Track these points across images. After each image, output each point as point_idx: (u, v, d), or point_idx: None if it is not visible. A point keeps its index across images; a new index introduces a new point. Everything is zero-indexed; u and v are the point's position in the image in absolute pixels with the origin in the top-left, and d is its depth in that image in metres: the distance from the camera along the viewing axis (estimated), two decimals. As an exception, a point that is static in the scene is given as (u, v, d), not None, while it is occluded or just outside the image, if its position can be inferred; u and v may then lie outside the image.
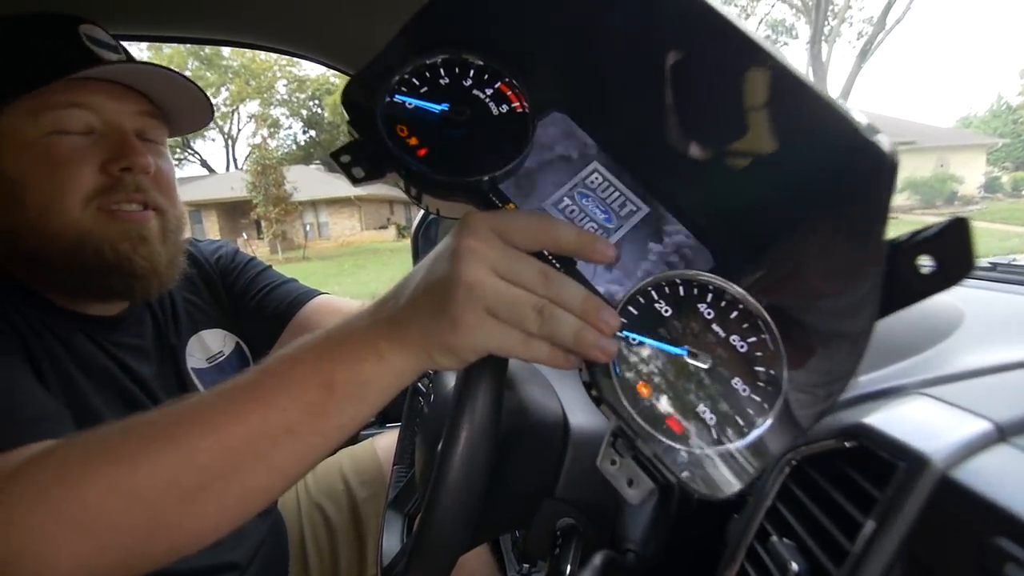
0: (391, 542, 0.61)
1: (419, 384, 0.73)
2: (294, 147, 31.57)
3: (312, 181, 19.65)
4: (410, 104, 0.39)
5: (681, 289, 0.36)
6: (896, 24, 14.84)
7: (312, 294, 0.78)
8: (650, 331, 0.35)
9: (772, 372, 0.32)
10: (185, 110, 0.63)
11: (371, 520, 0.79)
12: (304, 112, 30.66)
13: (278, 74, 28.41)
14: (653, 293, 0.36)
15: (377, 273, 10.01)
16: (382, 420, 1.06)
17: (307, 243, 18.30)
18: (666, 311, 0.35)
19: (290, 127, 31.68)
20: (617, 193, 0.39)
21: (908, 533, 0.28)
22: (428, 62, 0.39)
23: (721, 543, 0.45)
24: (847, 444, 0.33)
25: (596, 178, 0.40)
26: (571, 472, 0.51)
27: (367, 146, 0.39)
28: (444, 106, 0.39)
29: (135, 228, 0.56)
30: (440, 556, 0.39)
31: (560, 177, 0.40)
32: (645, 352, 0.34)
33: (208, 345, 0.70)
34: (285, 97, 29.79)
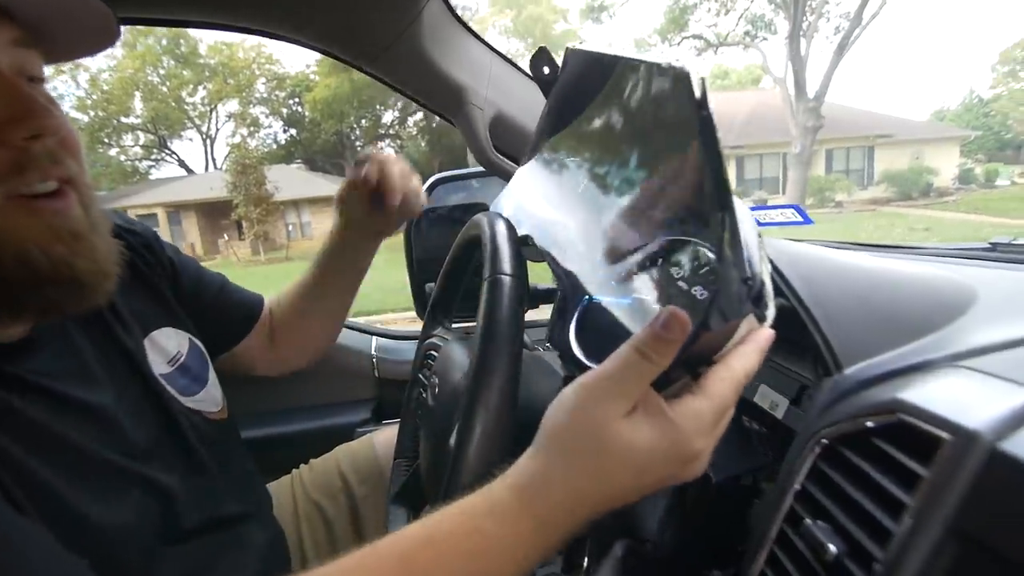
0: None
1: (420, 375, 0.71)
2: (274, 146, 31.09)
3: (294, 180, 19.39)
4: None
5: (660, 259, 0.39)
6: (872, 19, 15.07)
7: (259, 298, 0.78)
8: (617, 294, 0.40)
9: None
10: (67, 25, 0.45)
11: (371, 518, 0.77)
12: (284, 111, 30.23)
13: (257, 72, 27.97)
14: (634, 266, 0.40)
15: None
16: (378, 416, 1.04)
17: (290, 243, 18.07)
18: (641, 278, 0.40)
19: (270, 126, 31.20)
20: None
21: (958, 509, 0.26)
22: None
23: (742, 530, 0.44)
24: (884, 420, 0.32)
25: None
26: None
27: None
28: None
29: (62, 221, 0.42)
30: None
31: None
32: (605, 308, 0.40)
33: (163, 346, 0.59)
34: (264, 95, 29.32)
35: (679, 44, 21.04)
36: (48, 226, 0.41)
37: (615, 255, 0.44)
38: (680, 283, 0.38)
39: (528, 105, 0.76)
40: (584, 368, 0.39)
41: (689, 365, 0.33)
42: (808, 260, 0.49)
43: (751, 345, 0.34)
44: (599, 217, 0.46)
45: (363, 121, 29.80)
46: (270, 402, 1.00)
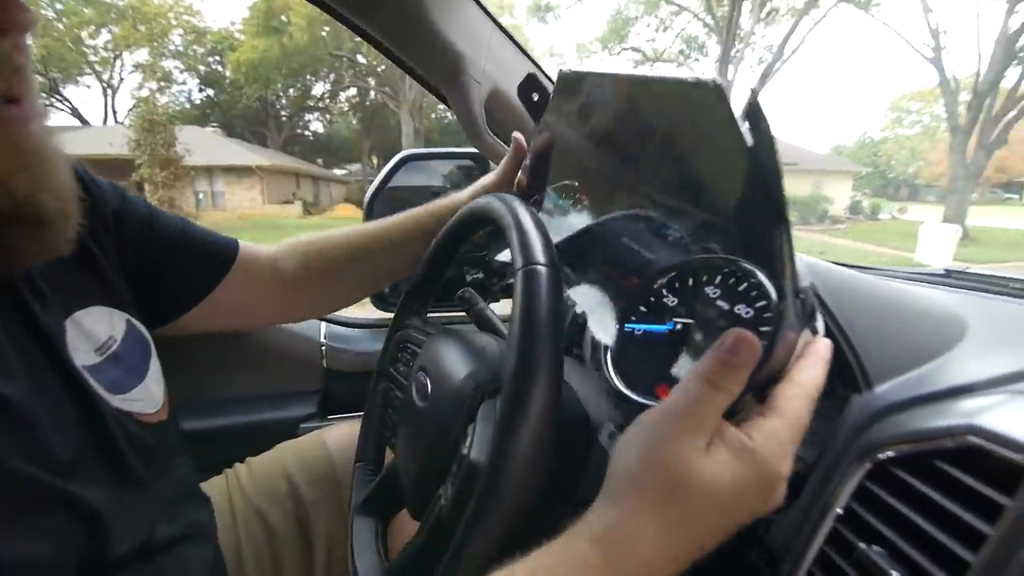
0: (366, 553, 0.53)
1: (391, 369, 0.65)
2: (188, 105, 28.51)
3: (208, 145, 17.90)
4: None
5: (691, 280, 0.42)
6: (791, 55, 16.41)
7: (234, 242, 0.66)
8: (651, 319, 0.42)
9: (770, 329, 0.34)
10: None
11: (321, 525, 0.69)
12: (202, 68, 27.74)
13: (173, 22, 25.41)
14: (663, 290, 0.43)
15: (282, 250, 9.29)
16: (325, 411, 0.95)
17: (199, 212, 16.62)
18: (672, 301, 0.42)
19: (184, 82, 28.54)
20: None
21: (1047, 543, 0.26)
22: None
23: (760, 550, 0.42)
24: (953, 444, 0.31)
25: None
26: (593, 472, 0.46)
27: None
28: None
29: (27, 139, 0.36)
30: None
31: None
32: (643, 337, 0.42)
33: (90, 330, 0.48)
34: (180, 49, 26.74)
35: (619, 54, 21.75)
36: (9, 141, 0.35)
37: (642, 278, 0.45)
38: (719, 303, 0.39)
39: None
40: (630, 401, 0.39)
41: (757, 389, 0.32)
42: (827, 274, 0.48)
43: (812, 358, 0.34)
44: (620, 239, 0.49)
45: (291, 90, 28.09)
46: (200, 391, 0.87)
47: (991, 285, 0.67)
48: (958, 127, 13.50)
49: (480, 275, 1.17)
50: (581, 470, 0.46)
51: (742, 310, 0.37)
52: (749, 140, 0.31)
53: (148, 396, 0.51)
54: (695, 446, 0.29)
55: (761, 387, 0.32)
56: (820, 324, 0.37)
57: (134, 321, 0.53)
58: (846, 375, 0.41)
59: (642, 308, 0.44)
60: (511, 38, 0.70)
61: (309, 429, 0.86)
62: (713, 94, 0.33)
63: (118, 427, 0.45)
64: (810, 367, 0.33)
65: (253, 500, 0.69)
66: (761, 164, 0.31)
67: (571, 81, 0.52)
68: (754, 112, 0.30)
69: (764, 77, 16.24)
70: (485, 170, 0.99)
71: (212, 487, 0.71)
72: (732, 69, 16.40)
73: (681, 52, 21.73)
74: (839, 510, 0.35)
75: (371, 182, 1.00)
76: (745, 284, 0.38)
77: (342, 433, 0.78)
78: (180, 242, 0.61)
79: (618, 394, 0.39)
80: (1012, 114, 13.21)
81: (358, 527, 0.57)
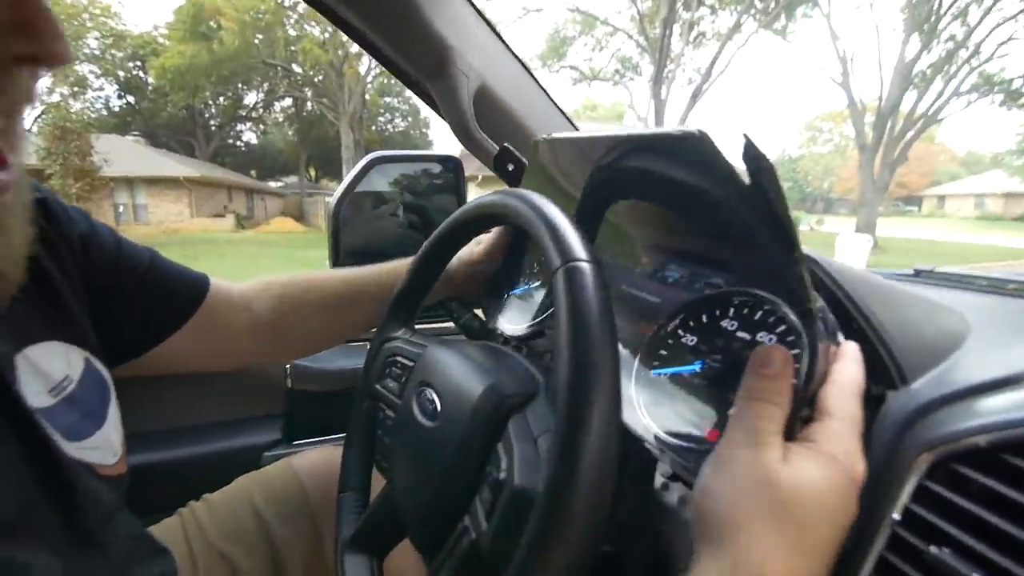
0: (363, 596, 0.47)
1: (378, 387, 0.59)
2: (105, 112, 26.55)
3: (128, 155, 16.71)
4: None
5: (704, 317, 0.43)
6: (718, 76, 17.43)
7: (205, 279, 0.60)
8: (674, 363, 0.42)
9: (799, 352, 0.35)
10: None
11: (298, 565, 0.61)
12: (121, 73, 25.94)
13: (89, 24, 23.64)
14: (678, 331, 0.44)
15: (212, 266, 8.76)
16: (290, 437, 0.86)
17: (119, 226, 15.36)
18: (691, 340, 0.43)
19: (101, 88, 26.56)
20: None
21: None
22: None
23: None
24: (1017, 436, 0.30)
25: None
26: (623, 490, 0.43)
27: None
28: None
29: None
30: None
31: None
32: (670, 381, 0.42)
33: (44, 368, 0.42)
34: (96, 53, 24.87)
35: (557, 72, 22.30)
36: None
37: (654, 323, 0.46)
38: (740, 334, 0.40)
39: (514, 87, 0.68)
40: (678, 451, 0.39)
41: (807, 407, 0.33)
42: (850, 274, 0.48)
43: (843, 360, 0.35)
44: (620, 288, 0.52)
45: (221, 99, 26.80)
46: (144, 420, 0.77)
47: (960, 283, 0.70)
48: (865, 146, 14.77)
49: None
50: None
51: (764, 338, 0.38)
52: (747, 180, 0.32)
53: (107, 444, 0.44)
54: (776, 459, 0.29)
55: (809, 405, 0.33)
56: (841, 337, 0.39)
57: (93, 360, 0.46)
58: (878, 374, 0.41)
59: (662, 352, 0.44)
60: (499, 35, 0.67)
61: (274, 458, 0.78)
62: (701, 143, 0.35)
63: (74, 479, 0.38)
64: (847, 367, 0.34)
65: (216, 543, 0.61)
66: (768, 201, 0.32)
67: (547, 147, 0.54)
68: (752, 153, 0.31)
69: (694, 97, 17.14)
70: (457, 174, 0.95)
71: (165, 531, 0.62)
72: (664, 89, 17.21)
73: (617, 71, 22.59)
74: (896, 515, 0.34)
75: (309, 195, 0.94)
76: (760, 312, 0.39)
77: (314, 460, 0.71)
78: (148, 276, 0.55)
79: (664, 443, 0.39)
80: (910, 134, 14.63)
81: (350, 566, 0.50)
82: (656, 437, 0.40)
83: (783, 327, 0.37)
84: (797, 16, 16.76)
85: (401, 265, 0.66)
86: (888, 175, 14.79)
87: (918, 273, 0.79)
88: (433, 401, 0.45)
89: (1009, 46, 14.25)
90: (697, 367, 0.41)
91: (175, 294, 0.57)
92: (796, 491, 0.27)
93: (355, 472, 0.58)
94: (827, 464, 0.28)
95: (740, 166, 0.34)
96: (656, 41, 16.92)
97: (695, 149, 0.36)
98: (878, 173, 14.50)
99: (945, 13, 13.84)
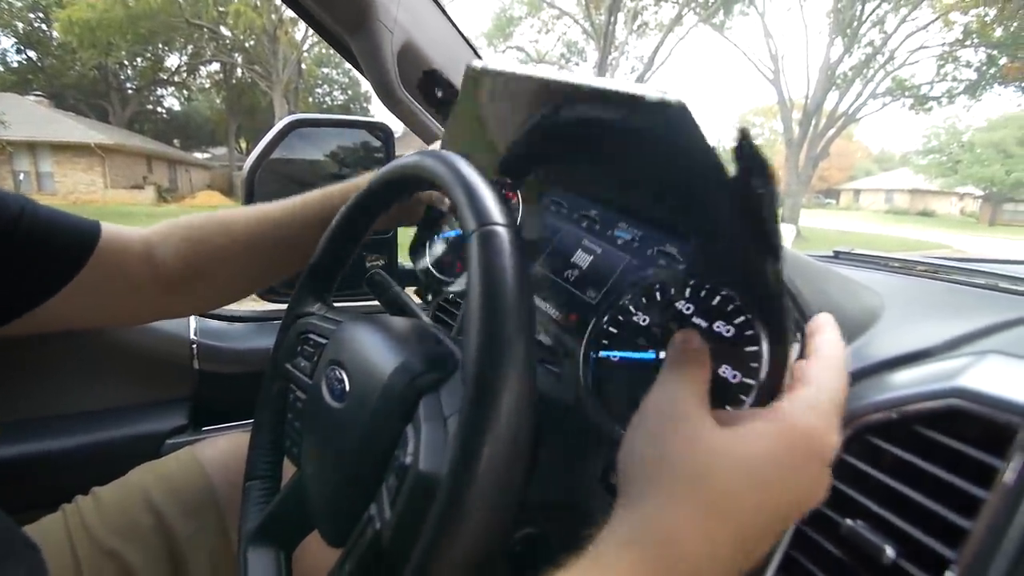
0: (266, 593, 0.43)
1: (288, 366, 0.54)
2: (1, 69, 23.70)
3: (30, 117, 15.09)
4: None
5: (657, 294, 0.40)
6: (660, 66, 17.85)
7: (95, 226, 0.52)
8: (631, 344, 0.39)
9: (756, 348, 0.34)
10: None
11: (203, 563, 0.56)
12: (20, 25, 23.16)
13: (-25, -35, 20.90)
14: (630, 307, 0.41)
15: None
16: (197, 422, 0.79)
17: (19, 197, 13.88)
18: (644, 320, 0.40)
19: (-7, 41, 23.65)
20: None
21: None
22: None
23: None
24: (933, 407, 0.30)
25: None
26: (541, 469, 0.41)
27: None
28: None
29: None
30: None
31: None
32: (625, 364, 0.40)
33: None
34: (-13, -1, 22.07)
35: (503, 52, 22.06)
36: None
37: (605, 298, 0.44)
38: (696, 320, 0.38)
39: (443, 44, 0.64)
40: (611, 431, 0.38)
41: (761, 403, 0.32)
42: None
43: (823, 332, 0.33)
44: (568, 250, 0.48)
45: (138, 59, 24.55)
46: (23, 405, 0.67)
47: (875, 264, 0.73)
48: (792, 141, 15.63)
49: (382, 262, 1.07)
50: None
51: (721, 328, 0.36)
52: (730, 170, 0.28)
53: None
54: (704, 424, 0.27)
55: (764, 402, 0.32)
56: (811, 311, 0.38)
57: None
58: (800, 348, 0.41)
59: (612, 330, 0.42)
60: (426, -12, 0.62)
61: (177, 446, 0.71)
62: (680, 114, 0.29)
63: None
64: (829, 338, 0.32)
65: (103, 541, 0.54)
66: (754, 202, 0.28)
67: (485, 80, 0.45)
68: (749, 152, 0.27)
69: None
70: (388, 143, 0.89)
71: (43, 529, 0.55)
72: (609, 75, 17.43)
73: (563, 55, 22.62)
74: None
75: (239, 168, 0.85)
76: (717, 298, 0.37)
77: (221, 448, 0.65)
78: (17, 228, 0.47)
79: (603, 432, 0.38)
80: (832, 132, 15.65)
81: (253, 560, 0.46)
82: (604, 425, 0.40)
83: (741, 318, 0.35)
84: (734, 12, 17.33)
85: (336, 192, 0.60)
86: (811, 169, 15.76)
87: (837, 255, 0.82)
88: (342, 380, 0.41)
89: (920, 54, 15.43)
90: (650, 357, 0.39)
91: (56, 248, 0.49)
92: (724, 456, 0.26)
93: (262, 459, 0.54)
94: (779, 433, 0.26)
95: (717, 144, 0.30)
96: (601, 28, 17.05)
97: (671, 118, 0.31)
98: (802, 167, 15.40)
99: (866, 20, 14.78)
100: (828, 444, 0.27)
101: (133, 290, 0.55)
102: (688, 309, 0.38)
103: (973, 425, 0.28)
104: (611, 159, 0.42)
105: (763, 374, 0.33)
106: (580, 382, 0.42)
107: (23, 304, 0.48)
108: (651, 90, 0.29)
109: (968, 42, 14.76)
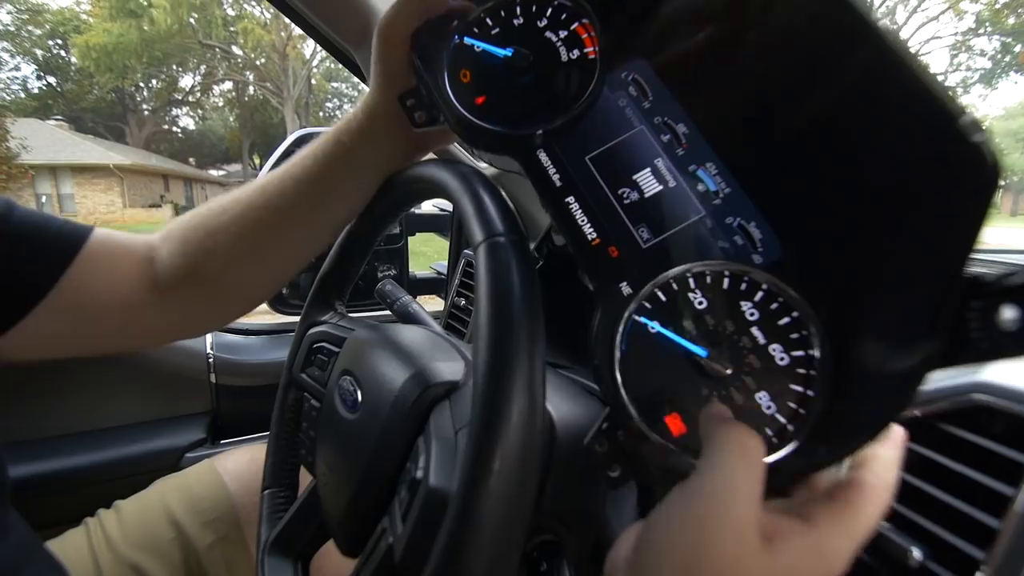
0: (284, 604, 0.43)
1: (303, 375, 0.54)
2: (23, 95, 24.42)
3: (51, 141, 15.48)
4: (478, 47, 0.36)
5: (727, 282, 0.31)
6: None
7: (84, 228, 0.44)
8: (675, 322, 0.31)
9: (810, 393, 0.27)
10: None
11: (221, 574, 0.56)
12: (40, 52, 23.88)
13: (-3, -4, 21.61)
14: (691, 281, 0.31)
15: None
16: (216, 436, 0.80)
17: (42, 219, 14.26)
18: (700, 303, 0.31)
19: (17, 68, 24.37)
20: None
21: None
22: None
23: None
24: (955, 404, 0.29)
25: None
26: (558, 478, 0.40)
27: (430, 90, 0.37)
28: (509, 51, 0.35)
29: None
30: None
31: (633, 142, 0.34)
32: (659, 340, 0.30)
33: None
34: (11, 29, 22.80)
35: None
36: None
37: (662, 257, 0.33)
38: (754, 331, 0.30)
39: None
40: (632, 426, 0.29)
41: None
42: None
43: (884, 447, 0.26)
44: (650, 188, 0.34)
45: (154, 81, 25.14)
46: (53, 424, 0.69)
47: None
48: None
49: (394, 272, 1.08)
50: (545, 473, 0.40)
51: (777, 352, 0.28)
52: (968, 135, 0.21)
53: None
54: (751, 546, 0.22)
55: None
56: None
57: None
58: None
59: (662, 297, 0.31)
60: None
61: (197, 459, 0.71)
62: None
63: None
64: (888, 461, 0.25)
65: (126, 554, 0.55)
66: (978, 190, 0.21)
67: None
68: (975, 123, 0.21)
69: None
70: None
71: (67, 544, 0.55)
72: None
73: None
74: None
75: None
76: (787, 319, 0.29)
77: (241, 460, 0.65)
78: (11, 223, 0.41)
79: (624, 412, 0.29)
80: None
81: (271, 570, 0.46)
82: (620, 401, 0.30)
83: (801, 353, 0.28)
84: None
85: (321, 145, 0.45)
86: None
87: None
88: (354, 391, 0.41)
89: (932, 45, 15.20)
90: (702, 353, 0.29)
91: (39, 246, 0.41)
92: None
93: (279, 468, 0.54)
94: (812, 552, 0.22)
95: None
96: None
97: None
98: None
99: (875, 12, 14.64)
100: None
101: (130, 302, 0.45)
102: (753, 315, 0.30)
103: (998, 421, 0.28)
104: (749, 62, 0.30)
105: (806, 428, 0.27)
106: (603, 345, 0.32)
107: (13, 309, 0.41)
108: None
109: (981, 30, 14.50)
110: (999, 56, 14.75)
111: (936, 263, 0.22)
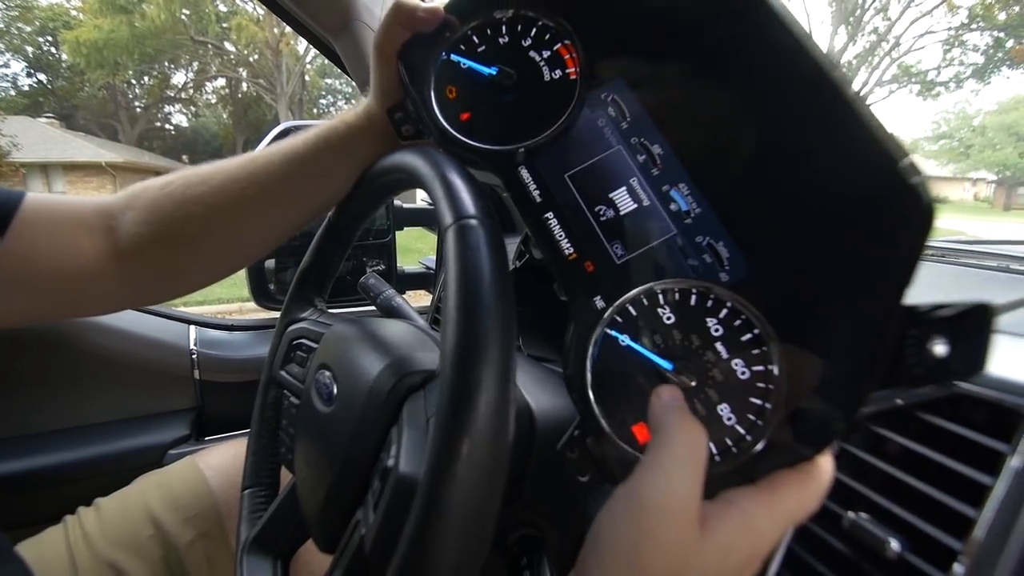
0: (262, 602, 0.42)
1: (283, 372, 0.53)
2: (12, 92, 24.19)
3: (42, 139, 15.33)
4: (464, 64, 0.37)
5: (694, 298, 0.32)
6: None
7: (15, 195, 0.42)
8: (644, 336, 0.32)
9: (767, 406, 0.28)
10: None
11: (201, 571, 0.56)
12: (30, 49, 23.63)
13: (-15, -9, 21.37)
14: (660, 297, 0.32)
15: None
16: (200, 432, 0.79)
17: (33, 218, 14.14)
18: (668, 318, 0.32)
19: (6, 65, 24.13)
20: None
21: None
22: (494, 18, 0.37)
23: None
24: (934, 393, 0.29)
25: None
26: (538, 471, 0.40)
27: (417, 104, 0.38)
28: (493, 69, 0.36)
29: None
30: None
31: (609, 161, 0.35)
32: (629, 353, 0.31)
33: None
34: (0, 26, 22.58)
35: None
36: None
37: (636, 273, 0.33)
38: (718, 346, 0.30)
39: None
40: (602, 435, 0.30)
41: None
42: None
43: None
44: (625, 206, 0.35)
45: (146, 78, 24.94)
46: (33, 420, 0.68)
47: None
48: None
49: (382, 267, 1.07)
50: (524, 466, 0.39)
51: (739, 367, 0.29)
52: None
53: None
54: (692, 534, 0.24)
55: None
56: None
57: None
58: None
59: (632, 310, 0.32)
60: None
61: (180, 456, 0.71)
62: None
63: None
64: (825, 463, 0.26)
65: (104, 552, 0.54)
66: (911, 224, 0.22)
67: None
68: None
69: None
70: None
71: (44, 543, 0.55)
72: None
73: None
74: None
75: None
76: (749, 335, 0.29)
77: (223, 456, 0.65)
78: None
79: (593, 421, 0.31)
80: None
81: (250, 568, 0.45)
82: (592, 413, 0.32)
83: (761, 367, 0.28)
84: None
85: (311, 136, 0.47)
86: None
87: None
88: (329, 384, 0.40)
89: (925, 39, 15.26)
90: (667, 366, 0.30)
91: None
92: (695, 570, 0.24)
93: (259, 466, 0.53)
94: (743, 535, 0.24)
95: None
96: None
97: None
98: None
99: (869, 7, 14.65)
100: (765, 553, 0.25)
101: (86, 269, 0.43)
102: (718, 331, 0.30)
103: (979, 410, 0.27)
104: (717, 85, 0.31)
105: (761, 443, 0.27)
106: (575, 355, 0.33)
107: None
108: None
109: (973, 25, 14.56)
110: (991, 51, 14.81)
111: (876, 292, 0.24)
